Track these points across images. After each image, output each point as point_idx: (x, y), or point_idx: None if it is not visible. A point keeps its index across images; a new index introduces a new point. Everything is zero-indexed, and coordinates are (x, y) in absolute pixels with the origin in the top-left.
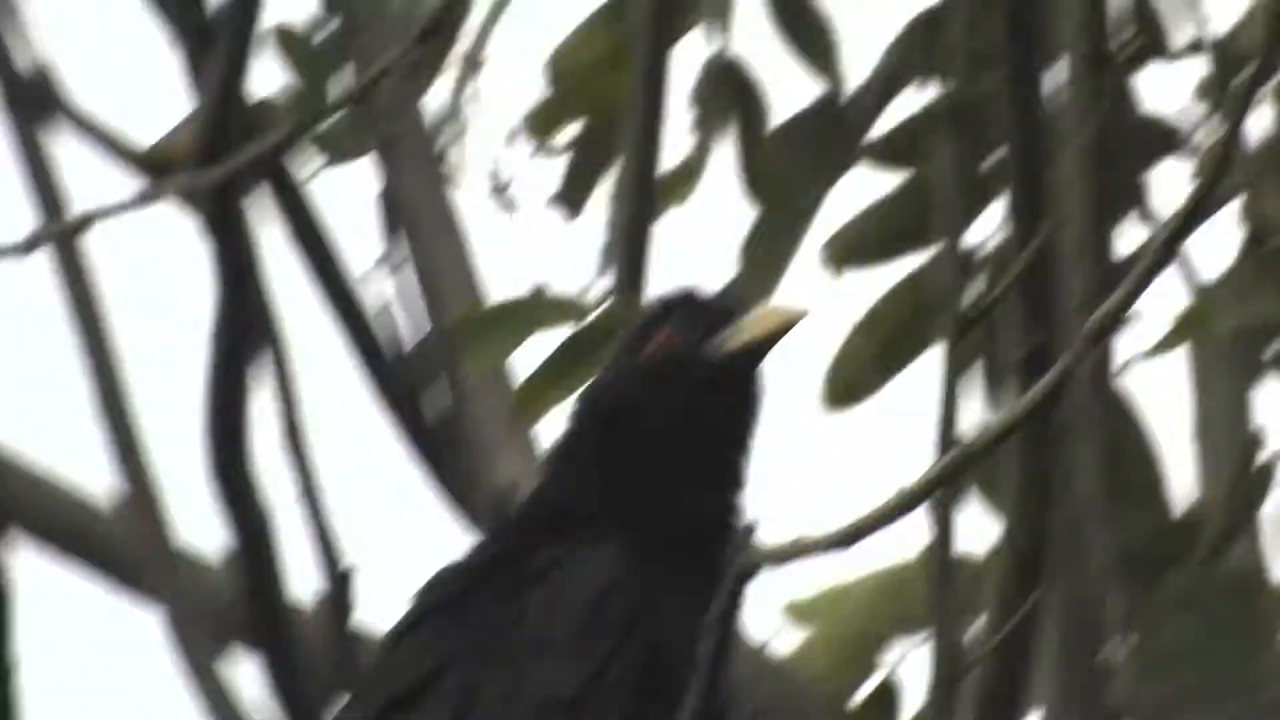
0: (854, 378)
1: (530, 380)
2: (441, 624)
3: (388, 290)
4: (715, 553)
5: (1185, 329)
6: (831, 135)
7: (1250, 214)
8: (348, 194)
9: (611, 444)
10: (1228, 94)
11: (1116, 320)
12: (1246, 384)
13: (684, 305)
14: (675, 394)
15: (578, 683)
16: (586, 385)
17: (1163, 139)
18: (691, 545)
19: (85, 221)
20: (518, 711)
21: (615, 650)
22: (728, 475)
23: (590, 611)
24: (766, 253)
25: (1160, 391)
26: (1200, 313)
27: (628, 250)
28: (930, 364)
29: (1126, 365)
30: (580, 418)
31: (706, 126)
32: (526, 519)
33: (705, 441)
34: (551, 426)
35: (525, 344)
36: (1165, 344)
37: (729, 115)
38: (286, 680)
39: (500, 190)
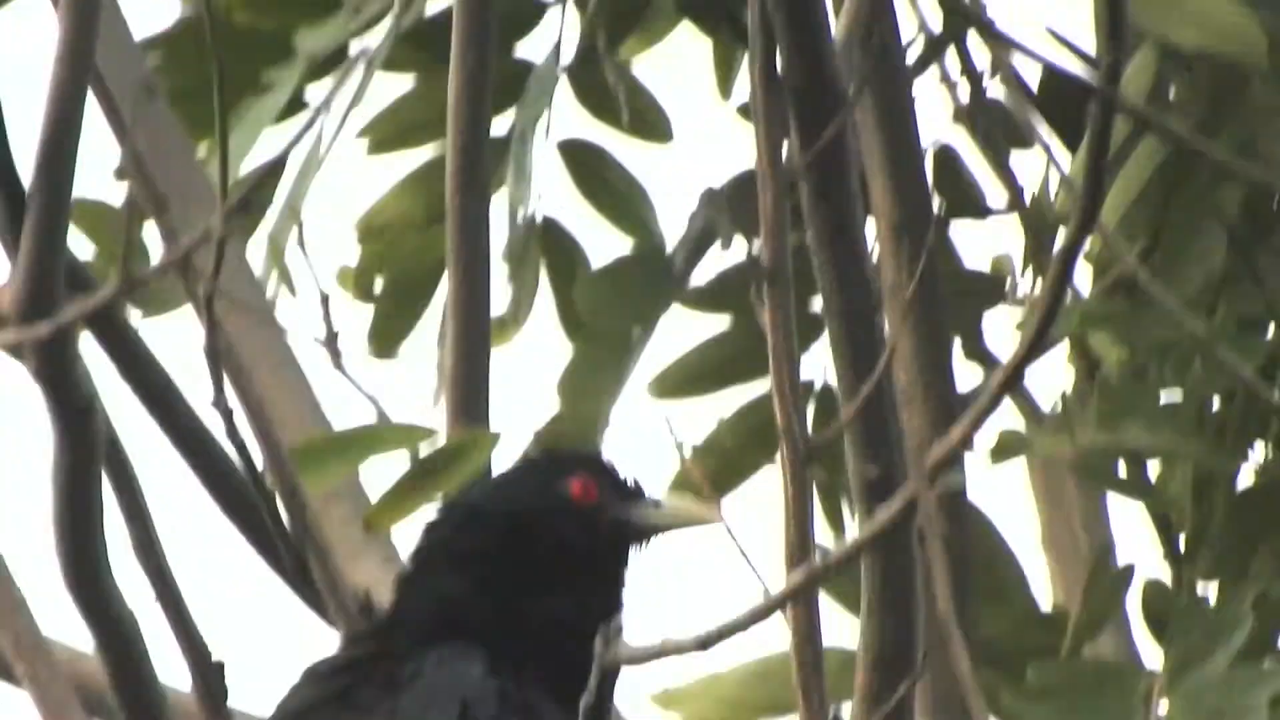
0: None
1: (382, 499)
2: (320, 716)
3: (226, 424)
4: (585, 675)
5: (1014, 449)
6: (652, 278)
7: (1078, 352)
8: (175, 338)
9: (503, 559)
10: (1050, 256)
11: (957, 455)
12: (1092, 497)
13: (596, 464)
14: (592, 542)
15: None
16: (463, 493)
17: (988, 290)
18: (566, 665)
19: None
20: None
21: None
22: (610, 617)
23: (461, 707)
24: (588, 387)
25: (1006, 505)
26: (1036, 437)
27: (464, 385)
28: (762, 488)
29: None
30: (464, 523)
31: (519, 278)
32: (396, 622)
33: (600, 589)
34: (403, 537)
35: (364, 466)
36: (997, 458)
37: (540, 266)
38: None
39: (329, 341)
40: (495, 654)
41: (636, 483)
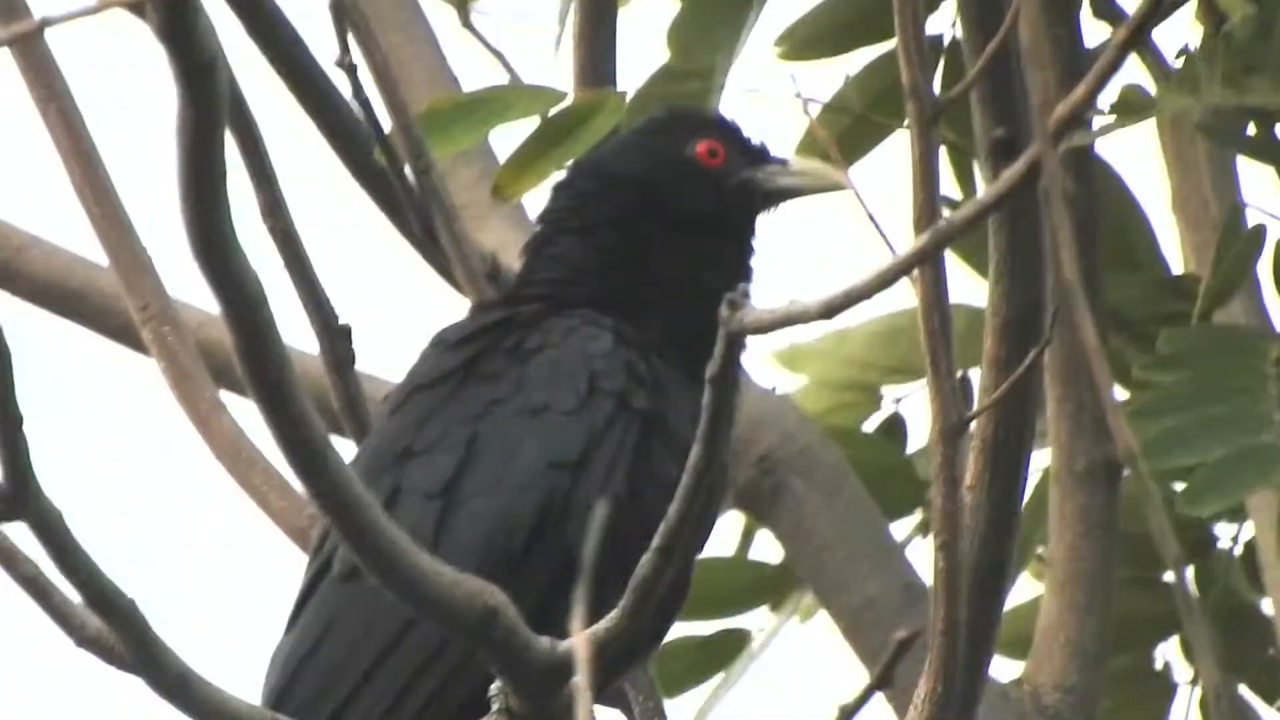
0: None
1: (509, 163)
2: (447, 383)
3: (352, 83)
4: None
5: (1138, 108)
6: None
7: (1205, 8)
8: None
9: (630, 223)
10: None
11: (1080, 114)
12: (1222, 159)
13: (722, 126)
14: (718, 204)
15: (582, 446)
16: (591, 156)
17: None
18: (694, 332)
19: (42, 25)
20: (519, 468)
21: (614, 416)
22: (737, 282)
23: (589, 380)
24: (703, 40)
25: (1136, 169)
26: (1161, 95)
27: (590, 47)
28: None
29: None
30: (593, 185)
31: None
32: (525, 288)
33: (727, 253)
34: (532, 200)
35: (491, 130)
36: (1121, 117)
37: None
38: (289, 428)
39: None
40: (623, 322)
41: (763, 145)
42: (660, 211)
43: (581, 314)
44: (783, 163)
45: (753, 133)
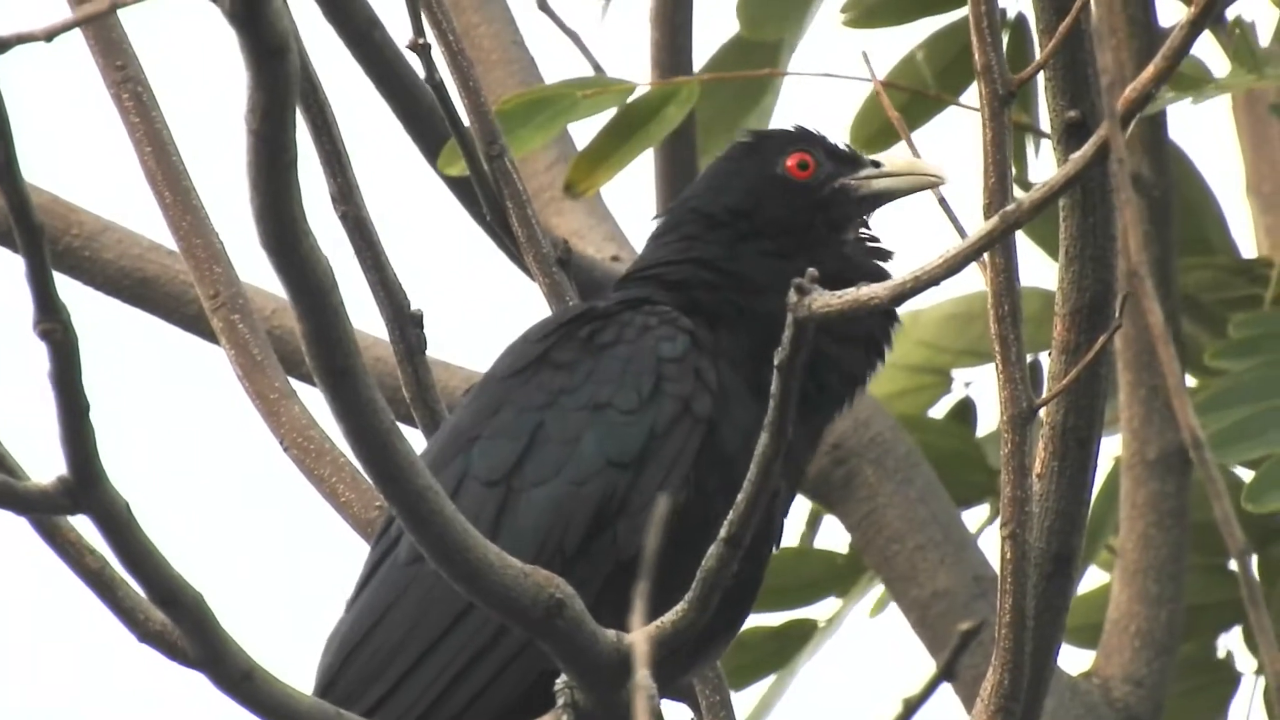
0: (876, 132)
1: (583, 156)
2: (523, 374)
3: (425, 64)
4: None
5: (1208, 87)
6: None
7: None
8: None
9: (729, 237)
10: None
11: (1150, 94)
12: None
13: (807, 137)
14: (815, 215)
15: (640, 446)
16: (684, 197)
17: None
18: (767, 345)
19: (114, 5)
20: (579, 463)
21: (677, 419)
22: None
23: (655, 381)
24: (772, 11)
25: (1211, 153)
26: (1233, 75)
27: (663, 37)
28: (962, 128)
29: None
30: (693, 228)
31: None
32: (623, 286)
33: (819, 261)
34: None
35: (567, 125)
36: (1192, 96)
37: None
38: (355, 416)
39: None
40: (702, 327)
41: (851, 149)
42: (760, 234)
43: (661, 313)
44: (875, 164)
45: (838, 138)
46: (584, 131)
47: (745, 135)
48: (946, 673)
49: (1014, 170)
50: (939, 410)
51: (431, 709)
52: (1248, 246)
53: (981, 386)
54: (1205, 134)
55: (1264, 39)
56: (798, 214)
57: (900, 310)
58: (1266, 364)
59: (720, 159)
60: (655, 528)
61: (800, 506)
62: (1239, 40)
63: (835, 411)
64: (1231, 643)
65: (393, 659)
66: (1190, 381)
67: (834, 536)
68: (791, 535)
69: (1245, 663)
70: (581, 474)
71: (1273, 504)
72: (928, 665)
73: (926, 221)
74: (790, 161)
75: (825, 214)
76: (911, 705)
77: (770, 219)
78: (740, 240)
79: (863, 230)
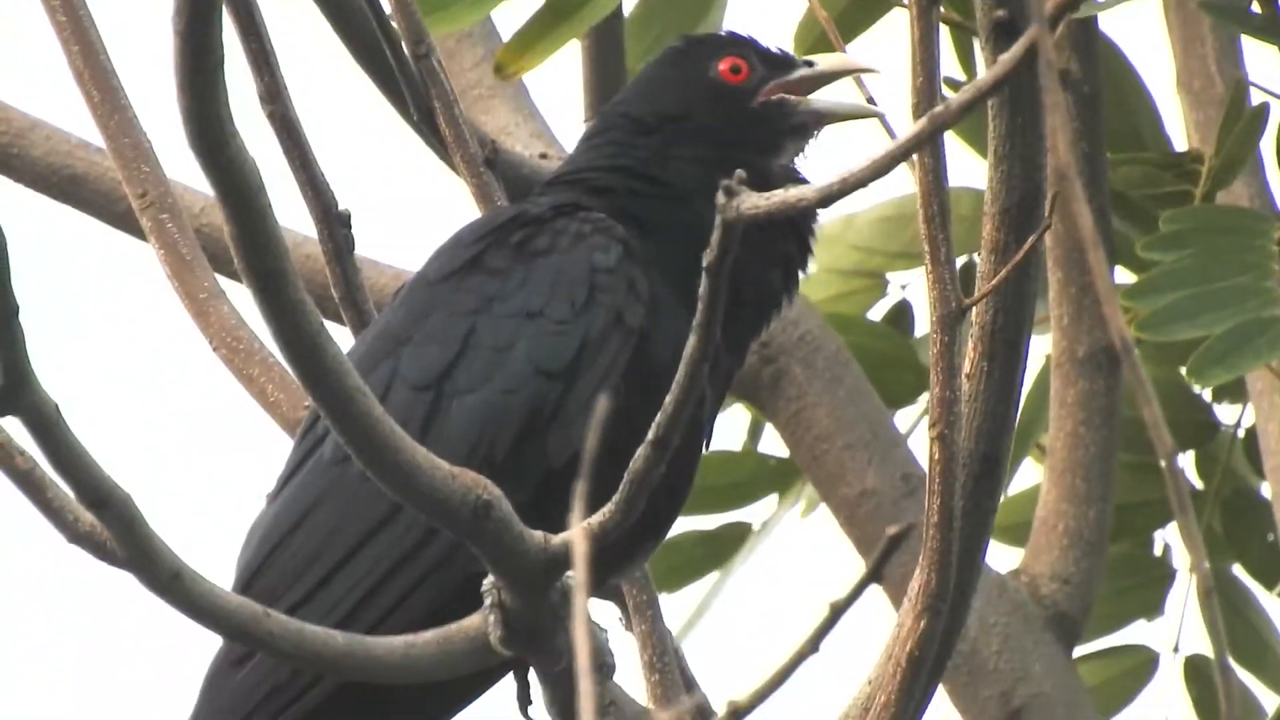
0: (817, 39)
1: (512, 40)
2: (453, 278)
3: None
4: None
5: None
6: None
7: None
8: None
9: (660, 143)
10: None
11: None
12: (1227, 37)
13: (739, 42)
14: (749, 117)
15: (571, 356)
16: (615, 102)
17: None
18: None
19: None
20: (509, 370)
21: (609, 330)
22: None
23: (589, 291)
24: None
25: (1141, 49)
26: None
27: None
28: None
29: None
30: (623, 133)
31: None
32: (553, 189)
33: (752, 167)
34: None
35: (493, 9)
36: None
37: None
38: (284, 316)
39: None
40: (635, 234)
41: (783, 51)
42: (693, 141)
43: (595, 220)
44: (808, 64)
45: (770, 42)
46: (513, 28)
47: (677, 40)
48: (873, 577)
49: (962, 72)
50: (876, 314)
51: (357, 609)
52: (1180, 143)
53: (918, 289)
54: (1138, 30)
55: None
56: (731, 119)
57: (832, 213)
58: (1196, 254)
59: (652, 63)
60: (595, 428)
61: (741, 415)
62: None
63: (758, 324)
64: (1170, 538)
65: (317, 557)
66: (1123, 275)
67: (776, 444)
68: (733, 440)
69: (1181, 559)
70: (512, 382)
71: (1217, 379)
72: (858, 566)
73: (862, 127)
74: (723, 65)
75: (760, 129)
76: (838, 609)
77: (702, 125)
78: (669, 145)
79: (795, 159)
